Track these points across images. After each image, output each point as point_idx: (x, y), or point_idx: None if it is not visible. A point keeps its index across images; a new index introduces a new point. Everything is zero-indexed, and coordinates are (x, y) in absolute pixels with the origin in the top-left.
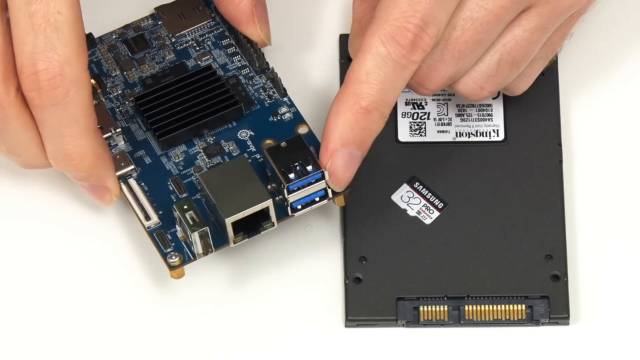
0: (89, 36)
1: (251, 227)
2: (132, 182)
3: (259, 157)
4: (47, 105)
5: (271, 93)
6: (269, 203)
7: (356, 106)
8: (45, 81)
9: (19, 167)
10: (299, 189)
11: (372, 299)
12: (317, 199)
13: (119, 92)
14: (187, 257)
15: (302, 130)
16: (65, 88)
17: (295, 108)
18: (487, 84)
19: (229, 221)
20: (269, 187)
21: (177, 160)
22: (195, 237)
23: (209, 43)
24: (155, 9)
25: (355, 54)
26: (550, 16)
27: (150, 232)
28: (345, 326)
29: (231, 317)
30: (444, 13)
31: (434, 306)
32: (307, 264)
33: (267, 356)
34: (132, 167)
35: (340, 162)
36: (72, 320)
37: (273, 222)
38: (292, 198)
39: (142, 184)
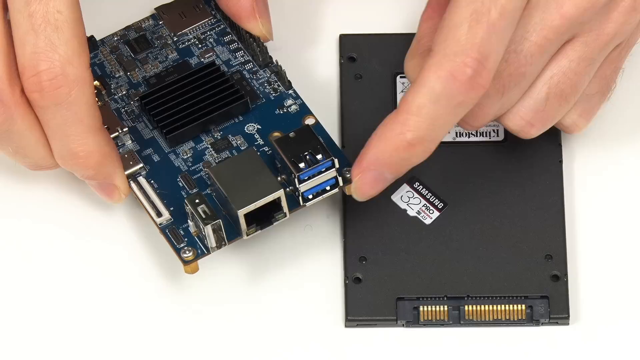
0: (91, 39)
1: (263, 218)
2: (142, 180)
3: (267, 150)
4: (51, 105)
5: (276, 86)
6: (280, 193)
7: (400, 137)
8: (48, 81)
9: (27, 169)
10: (309, 178)
11: (372, 299)
12: (327, 188)
13: (124, 92)
14: (201, 251)
15: (309, 121)
16: (67, 87)
17: (301, 100)
18: (535, 119)
19: (241, 213)
20: (279, 178)
21: (185, 157)
22: (208, 230)
23: (211, 40)
24: (156, 9)
25: (409, 74)
26: (595, 45)
27: (163, 229)
28: (345, 326)
29: (230, 317)
30: (501, 45)
31: (434, 306)
32: (307, 264)
33: (267, 356)
34: (141, 165)
35: (369, 180)
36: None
37: (285, 213)
38: (303, 187)
39: (152, 181)
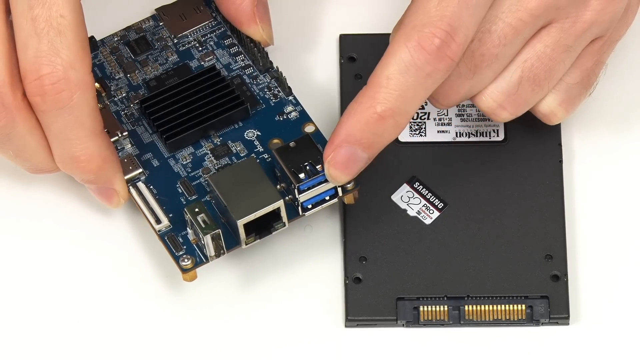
0: (91, 39)
1: (262, 227)
2: (141, 185)
3: (266, 157)
4: (52, 109)
5: (276, 92)
6: (280, 204)
7: (370, 110)
8: (50, 85)
9: (27, 172)
10: (309, 188)
11: (372, 299)
12: (327, 198)
13: (124, 94)
14: (199, 259)
15: (309, 128)
16: (69, 92)
17: (301, 106)
18: (507, 102)
19: (240, 223)
20: (278, 186)
21: (185, 162)
22: (207, 239)
23: (212, 43)
24: (156, 10)
25: None
26: (571, 31)
27: (162, 236)
28: (345, 326)
29: (231, 317)
30: (472, 20)
31: (434, 306)
32: (307, 264)
33: (268, 356)
34: (140, 170)
35: (341, 158)
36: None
37: (284, 222)
38: (302, 198)
39: (151, 187)
